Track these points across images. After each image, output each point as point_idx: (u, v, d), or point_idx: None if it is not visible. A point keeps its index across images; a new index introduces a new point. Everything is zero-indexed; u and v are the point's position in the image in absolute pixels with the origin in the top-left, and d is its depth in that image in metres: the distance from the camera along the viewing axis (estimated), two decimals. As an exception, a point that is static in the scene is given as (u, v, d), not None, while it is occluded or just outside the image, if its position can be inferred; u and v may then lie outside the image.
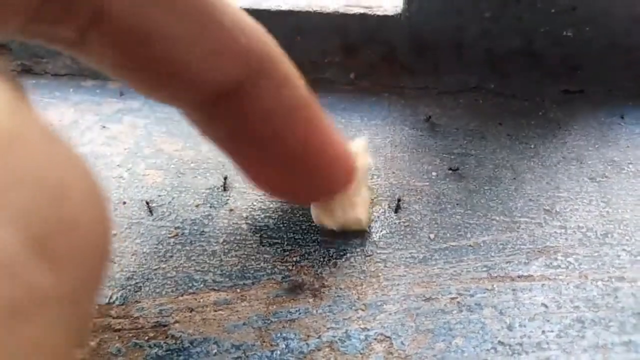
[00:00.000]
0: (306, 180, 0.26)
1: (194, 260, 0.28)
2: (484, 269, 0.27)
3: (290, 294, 0.26)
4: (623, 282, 0.27)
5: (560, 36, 0.37)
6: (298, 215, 0.30)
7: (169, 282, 0.27)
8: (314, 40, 0.39)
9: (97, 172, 0.34)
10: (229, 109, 0.22)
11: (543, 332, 0.24)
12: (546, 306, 0.26)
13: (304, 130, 0.23)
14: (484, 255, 0.28)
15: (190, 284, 0.27)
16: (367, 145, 0.30)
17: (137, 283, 0.27)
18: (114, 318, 0.25)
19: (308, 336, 0.25)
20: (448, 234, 0.29)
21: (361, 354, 0.24)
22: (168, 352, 0.24)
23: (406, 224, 0.30)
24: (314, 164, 0.25)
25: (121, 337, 0.25)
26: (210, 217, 0.30)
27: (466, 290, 0.26)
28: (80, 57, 0.20)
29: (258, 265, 0.28)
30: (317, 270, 0.27)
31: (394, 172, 0.33)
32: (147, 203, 0.31)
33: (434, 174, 0.33)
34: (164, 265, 0.28)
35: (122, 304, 0.26)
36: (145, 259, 0.28)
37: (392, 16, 0.37)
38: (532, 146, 0.35)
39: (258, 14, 0.39)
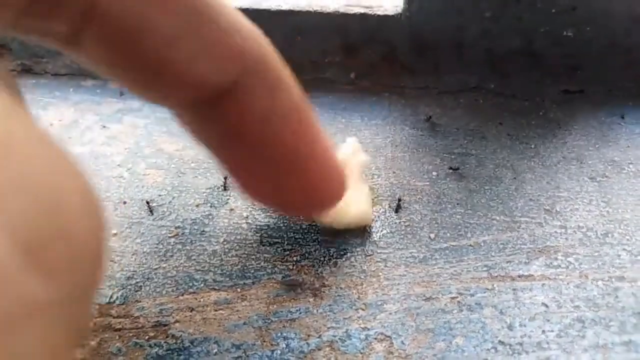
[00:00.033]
0: (297, 190, 0.25)
1: (195, 259, 0.28)
2: (485, 268, 0.27)
3: (290, 293, 0.26)
4: (623, 281, 0.27)
5: (560, 36, 0.37)
6: (298, 214, 0.30)
7: (169, 281, 0.27)
8: (314, 40, 0.39)
9: (97, 172, 0.34)
10: (222, 110, 0.22)
11: (543, 331, 0.24)
12: (546, 306, 0.26)
13: (296, 135, 0.23)
14: (485, 254, 0.28)
15: (190, 284, 0.27)
16: (359, 143, 0.31)
17: (137, 282, 0.27)
18: (114, 317, 0.25)
19: (308, 336, 0.25)
20: (448, 234, 0.29)
21: (361, 353, 0.24)
22: (168, 352, 0.24)
23: (406, 223, 0.30)
24: (305, 171, 0.24)
25: (121, 336, 0.25)
26: (210, 217, 0.30)
27: (466, 289, 0.26)
28: (74, 54, 0.20)
29: (258, 265, 0.28)
30: (317, 270, 0.27)
31: (394, 172, 0.33)
32: (148, 203, 0.31)
33: (434, 173, 0.33)
34: (164, 265, 0.28)
35: (123, 304, 0.26)
36: (146, 259, 0.28)
37: (393, 16, 0.37)
38: (533, 146, 0.35)
39: (258, 14, 0.39)
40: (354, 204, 0.28)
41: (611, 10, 0.36)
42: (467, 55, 0.38)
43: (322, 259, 0.28)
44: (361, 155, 0.31)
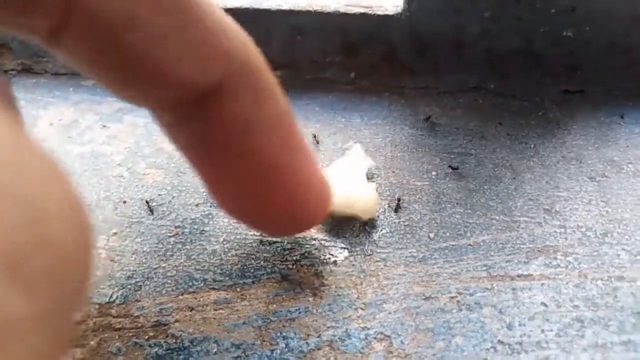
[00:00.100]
0: (278, 206, 0.23)
1: (194, 259, 0.28)
2: (484, 268, 0.27)
3: (290, 292, 0.26)
4: (622, 281, 0.27)
5: (560, 36, 0.37)
6: (298, 214, 0.30)
7: (169, 281, 0.27)
8: (314, 40, 0.39)
9: (97, 171, 0.34)
10: (205, 114, 0.21)
11: (542, 331, 0.25)
12: (546, 305, 0.26)
13: (281, 148, 0.22)
14: (484, 254, 0.28)
15: (190, 283, 0.27)
16: (364, 149, 0.32)
17: (137, 282, 0.27)
18: (114, 317, 0.25)
19: (308, 335, 0.25)
20: (448, 233, 0.29)
21: (361, 353, 0.24)
22: (168, 351, 0.24)
23: (406, 223, 0.30)
24: (288, 186, 0.23)
25: (121, 336, 0.25)
26: (210, 216, 0.30)
27: (466, 289, 0.26)
28: (56, 51, 0.20)
29: (258, 264, 0.28)
30: (317, 269, 0.27)
31: (394, 172, 0.33)
32: (147, 202, 0.31)
33: (433, 173, 0.33)
34: (164, 264, 0.28)
35: (123, 303, 0.26)
36: (146, 258, 0.28)
37: (393, 16, 0.37)
38: (532, 146, 0.35)
39: (258, 14, 0.39)
40: (359, 195, 0.29)
41: (611, 10, 0.36)
42: (467, 55, 0.38)
43: (321, 258, 0.28)
44: (367, 161, 0.32)
